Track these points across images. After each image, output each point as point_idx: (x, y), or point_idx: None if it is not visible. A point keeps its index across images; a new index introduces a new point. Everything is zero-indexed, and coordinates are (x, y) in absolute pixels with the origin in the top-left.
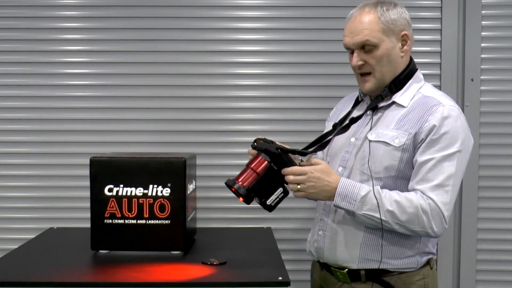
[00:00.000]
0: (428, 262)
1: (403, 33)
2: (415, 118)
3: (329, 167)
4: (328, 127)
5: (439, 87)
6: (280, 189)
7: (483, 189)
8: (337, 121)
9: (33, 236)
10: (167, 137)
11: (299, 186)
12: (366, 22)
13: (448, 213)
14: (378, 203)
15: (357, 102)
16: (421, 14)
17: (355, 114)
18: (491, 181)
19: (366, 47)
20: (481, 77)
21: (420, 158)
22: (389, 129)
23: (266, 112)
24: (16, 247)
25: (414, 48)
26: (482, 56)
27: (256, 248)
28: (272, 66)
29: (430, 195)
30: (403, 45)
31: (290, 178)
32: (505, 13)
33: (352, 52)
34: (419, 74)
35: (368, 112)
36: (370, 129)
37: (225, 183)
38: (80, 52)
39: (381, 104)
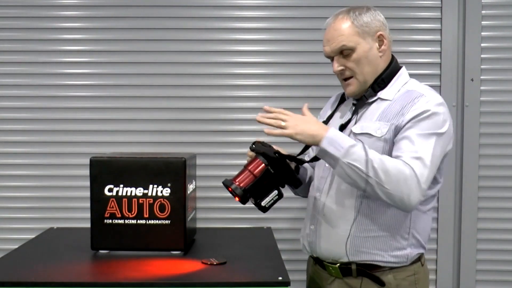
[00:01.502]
0: (419, 258)
1: (378, 33)
2: (396, 109)
3: (318, 121)
4: None
5: (439, 87)
6: (275, 192)
7: (483, 189)
8: (324, 120)
9: (33, 236)
10: (167, 137)
11: (283, 123)
12: (340, 29)
13: (425, 186)
14: (366, 156)
15: (342, 100)
16: (421, 14)
17: (341, 113)
18: (491, 181)
19: (344, 52)
20: (481, 77)
21: (403, 134)
22: (372, 121)
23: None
24: (16, 247)
25: (414, 48)
26: (482, 56)
27: (256, 248)
28: (272, 66)
29: (410, 164)
30: (380, 45)
31: (271, 115)
32: (505, 13)
33: (333, 60)
34: (403, 71)
35: (353, 108)
36: (355, 123)
37: (223, 183)
38: (80, 52)
39: (365, 102)
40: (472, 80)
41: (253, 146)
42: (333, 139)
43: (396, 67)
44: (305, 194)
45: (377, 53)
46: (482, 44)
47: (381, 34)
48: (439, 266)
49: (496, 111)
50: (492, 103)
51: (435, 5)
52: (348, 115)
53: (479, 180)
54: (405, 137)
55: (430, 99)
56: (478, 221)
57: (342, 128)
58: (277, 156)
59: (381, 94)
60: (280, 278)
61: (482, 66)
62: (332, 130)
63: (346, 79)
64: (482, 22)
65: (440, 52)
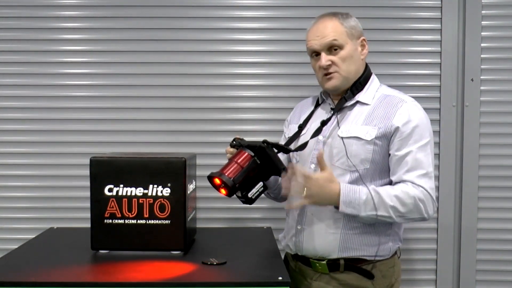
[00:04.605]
0: (396, 251)
1: (362, 38)
2: (381, 114)
3: (332, 174)
4: (293, 129)
5: (439, 87)
6: (261, 183)
7: (483, 189)
8: (301, 123)
9: (33, 236)
10: (167, 137)
11: (305, 193)
12: (330, 26)
13: (435, 196)
14: (380, 200)
15: (317, 104)
16: (421, 14)
17: (319, 115)
18: (491, 181)
19: (332, 48)
20: (481, 77)
21: (399, 152)
22: (358, 125)
23: (266, 112)
24: (16, 247)
25: (414, 48)
26: (482, 56)
27: (256, 248)
28: (273, 66)
29: (420, 183)
30: (362, 49)
31: (298, 180)
32: (505, 13)
33: (317, 55)
34: (374, 77)
35: (331, 111)
36: (339, 128)
37: (208, 176)
38: (80, 52)
39: (345, 105)
40: (472, 80)
41: (234, 142)
42: (347, 201)
43: (370, 72)
44: (277, 196)
45: (360, 55)
46: (482, 44)
47: (364, 39)
48: (439, 266)
49: (496, 111)
50: (492, 103)
51: (435, 5)
52: (328, 116)
53: (479, 180)
54: (408, 153)
55: (411, 106)
56: (478, 221)
57: (324, 123)
58: (265, 144)
59: (359, 97)
60: (280, 278)
61: (482, 66)
62: (344, 193)
63: (327, 74)
64: (482, 22)
65: (440, 52)
